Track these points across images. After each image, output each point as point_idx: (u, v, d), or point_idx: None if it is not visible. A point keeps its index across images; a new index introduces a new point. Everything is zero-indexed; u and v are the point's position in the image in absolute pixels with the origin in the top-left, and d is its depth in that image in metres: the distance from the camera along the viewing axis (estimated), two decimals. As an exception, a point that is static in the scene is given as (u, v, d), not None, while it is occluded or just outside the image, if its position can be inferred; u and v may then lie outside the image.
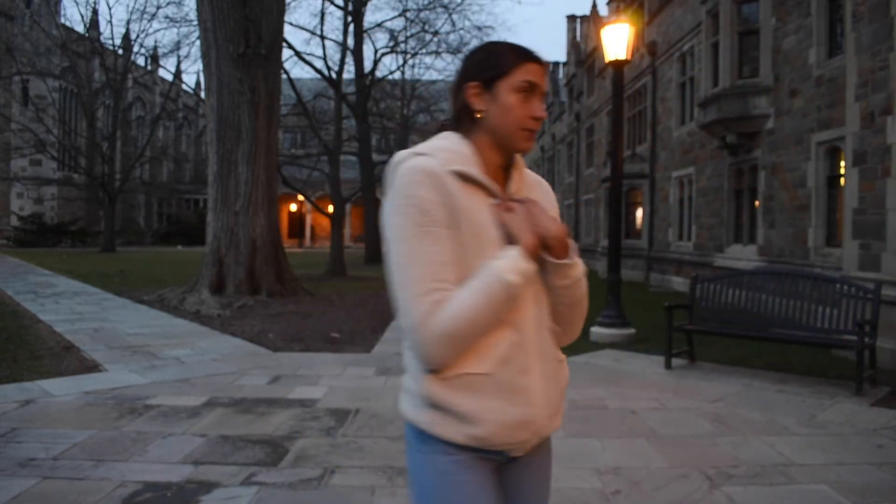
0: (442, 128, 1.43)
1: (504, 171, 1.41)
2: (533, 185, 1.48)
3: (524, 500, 1.45)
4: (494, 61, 1.36)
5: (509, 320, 1.29)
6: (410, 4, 24.15)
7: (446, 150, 1.34)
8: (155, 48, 37.80)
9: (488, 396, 1.28)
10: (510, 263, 1.26)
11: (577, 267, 1.37)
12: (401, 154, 1.36)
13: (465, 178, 1.31)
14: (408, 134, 30.47)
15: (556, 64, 41.93)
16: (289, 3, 17.75)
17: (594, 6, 28.19)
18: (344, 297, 12.47)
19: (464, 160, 1.33)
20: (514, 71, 1.34)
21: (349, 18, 23.22)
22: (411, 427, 1.37)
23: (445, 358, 1.25)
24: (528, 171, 1.49)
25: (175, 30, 64.00)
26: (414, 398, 1.34)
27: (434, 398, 1.29)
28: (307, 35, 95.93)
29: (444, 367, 1.27)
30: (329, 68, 21.40)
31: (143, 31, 49.94)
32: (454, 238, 1.28)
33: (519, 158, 1.44)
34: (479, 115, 1.37)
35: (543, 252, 1.32)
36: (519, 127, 1.35)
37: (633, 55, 11.85)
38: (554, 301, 1.38)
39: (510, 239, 1.31)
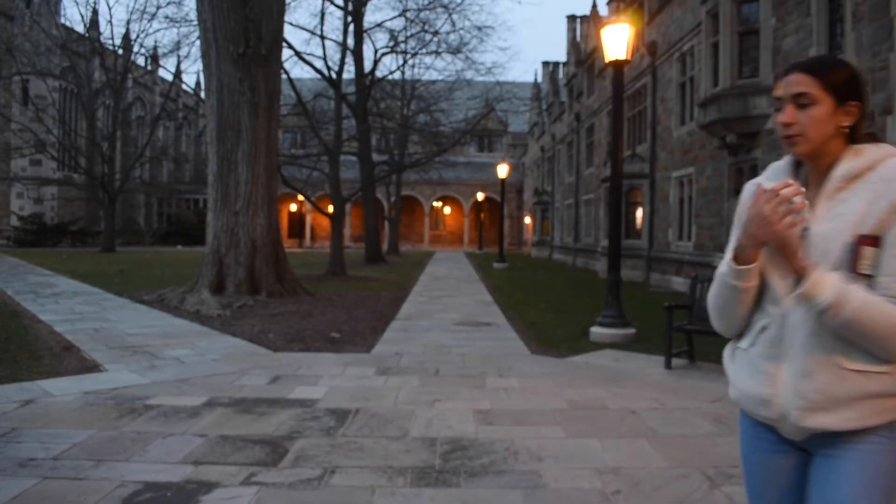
0: None
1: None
2: (867, 187, 1.42)
3: (814, 493, 1.50)
4: None
5: (750, 299, 1.57)
6: (410, 4, 24.17)
7: (772, 167, 1.66)
8: (155, 48, 37.80)
9: (740, 368, 1.59)
10: (725, 261, 1.57)
11: (814, 294, 1.39)
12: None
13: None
14: (408, 134, 30.46)
15: (556, 64, 41.99)
16: (289, 3, 17.76)
17: (594, 6, 28.19)
18: (344, 297, 12.47)
19: (774, 175, 1.62)
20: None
21: (349, 18, 23.22)
22: None
23: (714, 323, 1.69)
24: (887, 167, 1.42)
25: (175, 30, 64.23)
26: None
27: (725, 364, 1.70)
28: (307, 35, 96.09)
29: (720, 331, 1.68)
30: (329, 68, 21.40)
31: (143, 31, 49.95)
32: None
33: (844, 162, 1.46)
34: None
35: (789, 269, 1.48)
36: (782, 137, 1.52)
37: (633, 55, 11.86)
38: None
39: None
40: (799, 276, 1.42)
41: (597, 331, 7.99)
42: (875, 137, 1.50)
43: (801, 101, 1.46)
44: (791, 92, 1.48)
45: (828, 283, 1.37)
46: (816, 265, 1.40)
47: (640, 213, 18.38)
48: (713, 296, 1.60)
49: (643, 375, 6.12)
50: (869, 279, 1.37)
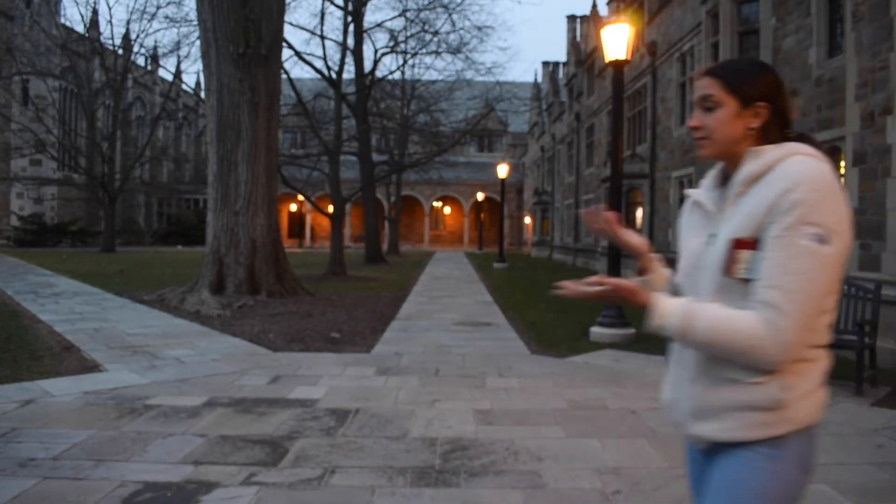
0: None
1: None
2: (760, 189, 1.37)
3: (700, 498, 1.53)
4: None
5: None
6: (410, 4, 24.16)
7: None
8: (155, 48, 37.77)
9: (669, 373, 1.58)
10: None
11: (661, 324, 1.40)
12: None
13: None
14: (408, 134, 30.46)
15: (556, 64, 41.99)
16: (289, 3, 17.75)
17: (594, 6, 28.19)
18: (344, 297, 12.46)
19: (705, 179, 1.60)
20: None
21: (349, 18, 23.22)
22: None
23: None
24: (779, 169, 1.35)
25: (175, 30, 64.17)
26: None
27: None
28: (307, 35, 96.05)
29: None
30: (329, 68, 21.40)
31: (143, 31, 49.81)
32: None
33: (745, 165, 1.42)
34: None
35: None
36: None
37: (633, 55, 11.85)
38: None
39: None
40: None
41: (597, 331, 7.99)
42: (805, 137, 1.44)
43: (707, 105, 1.45)
44: (697, 95, 1.49)
45: (669, 309, 1.37)
46: (655, 294, 1.41)
47: (640, 213, 18.38)
48: None
49: (643, 375, 6.12)
50: (747, 283, 1.33)
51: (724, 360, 1.37)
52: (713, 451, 1.45)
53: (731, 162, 1.46)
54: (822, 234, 1.27)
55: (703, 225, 1.48)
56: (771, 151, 1.39)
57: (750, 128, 1.43)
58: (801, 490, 1.41)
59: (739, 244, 1.34)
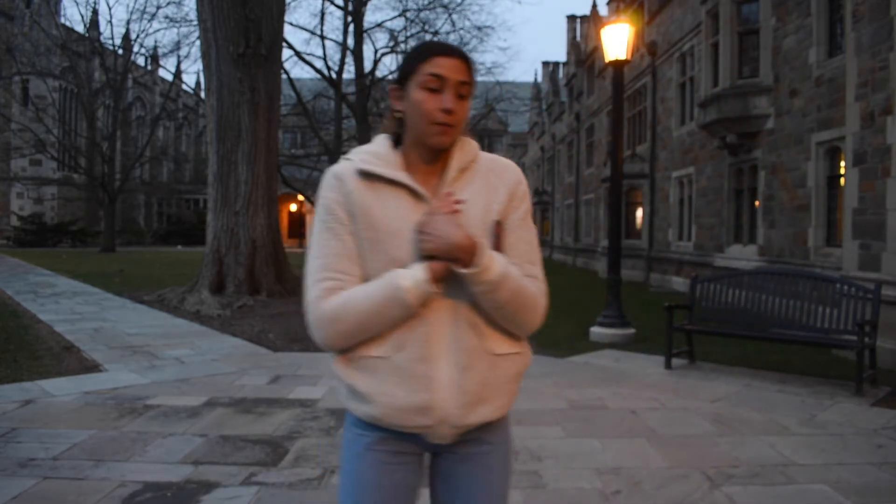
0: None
1: (441, 168, 1.44)
2: (478, 176, 1.44)
3: (463, 494, 1.49)
4: (405, 62, 1.43)
5: (417, 312, 1.35)
6: (410, 4, 24.21)
7: (366, 151, 1.45)
8: (155, 48, 37.85)
9: (383, 379, 1.37)
10: (410, 279, 1.32)
11: (487, 272, 1.32)
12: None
13: (370, 175, 1.39)
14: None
15: (556, 64, 41.98)
16: (289, 3, 17.76)
17: (594, 6, 28.19)
18: (344, 297, 12.44)
19: (376, 160, 1.41)
20: (419, 67, 1.37)
21: (349, 18, 23.25)
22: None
23: (330, 340, 1.38)
24: (487, 160, 1.47)
25: (175, 30, 64.10)
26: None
27: (342, 377, 1.42)
28: (307, 35, 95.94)
29: (331, 348, 1.40)
30: (329, 68, 21.44)
31: (143, 31, 49.94)
32: (356, 233, 1.38)
33: (457, 153, 1.43)
34: (398, 116, 1.44)
35: (451, 262, 1.32)
36: (429, 122, 1.37)
37: (633, 55, 11.85)
38: (481, 304, 1.38)
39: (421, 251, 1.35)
40: (462, 256, 1.31)
41: (597, 331, 7.99)
42: None
43: (462, 91, 1.39)
44: (458, 78, 1.37)
45: (496, 259, 1.35)
46: (482, 243, 1.35)
47: (640, 213, 18.37)
48: (364, 310, 1.33)
49: (643, 375, 6.12)
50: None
51: (490, 339, 1.39)
52: (464, 438, 1.42)
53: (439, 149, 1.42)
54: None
55: (412, 205, 1.38)
56: (469, 143, 1.46)
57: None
58: None
59: (496, 226, 1.41)
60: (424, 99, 1.36)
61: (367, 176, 1.39)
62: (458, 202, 1.37)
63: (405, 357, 1.35)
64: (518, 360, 1.45)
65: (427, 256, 1.33)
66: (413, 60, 1.40)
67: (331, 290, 1.36)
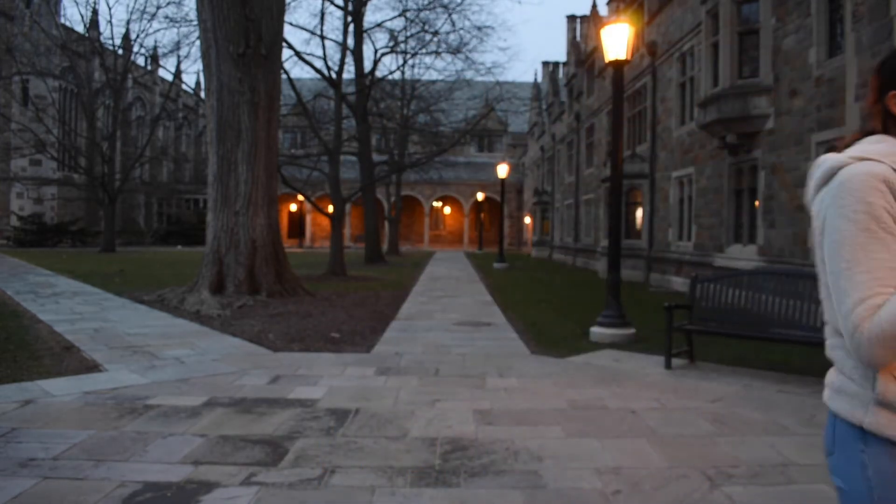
0: (865, 135, 1.45)
1: None
2: None
3: None
4: None
5: None
6: (410, 4, 24.19)
7: (890, 153, 1.35)
8: (155, 48, 37.84)
9: None
10: None
11: None
12: (837, 158, 1.38)
13: None
14: (408, 134, 30.46)
15: (556, 64, 41.99)
16: (289, 3, 17.76)
17: (594, 6, 28.19)
18: (344, 297, 12.47)
19: None
20: None
21: (349, 18, 23.23)
22: (847, 427, 1.41)
23: (881, 358, 1.27)
24: None
25: (175, 30, 64.23)
26: (855, 398, 1.36)
27: (890, 399, 1.30)
28: (307, 35, 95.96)
29: (882, 366, 1.29)
30: (329, 68, 21.39)
31: (143, 31, 49.94)
32: None
33: None
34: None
35: None
36: None
37: (633, 55, 11.86)
38: None
39: None
40: None
41: (597, 331, 7.99)
42: None
43: None
44: None
45: None
46: None
47: (640, 213, 18.37)
48: None
49: (643, 375, 6.12)
50: None
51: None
52: None
53: None
54: None
55: None
56: None
57: None
58: None
59: None
60: None
61: None
62: None
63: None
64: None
65: None
66: None
67: (880, 306, 1.26)
